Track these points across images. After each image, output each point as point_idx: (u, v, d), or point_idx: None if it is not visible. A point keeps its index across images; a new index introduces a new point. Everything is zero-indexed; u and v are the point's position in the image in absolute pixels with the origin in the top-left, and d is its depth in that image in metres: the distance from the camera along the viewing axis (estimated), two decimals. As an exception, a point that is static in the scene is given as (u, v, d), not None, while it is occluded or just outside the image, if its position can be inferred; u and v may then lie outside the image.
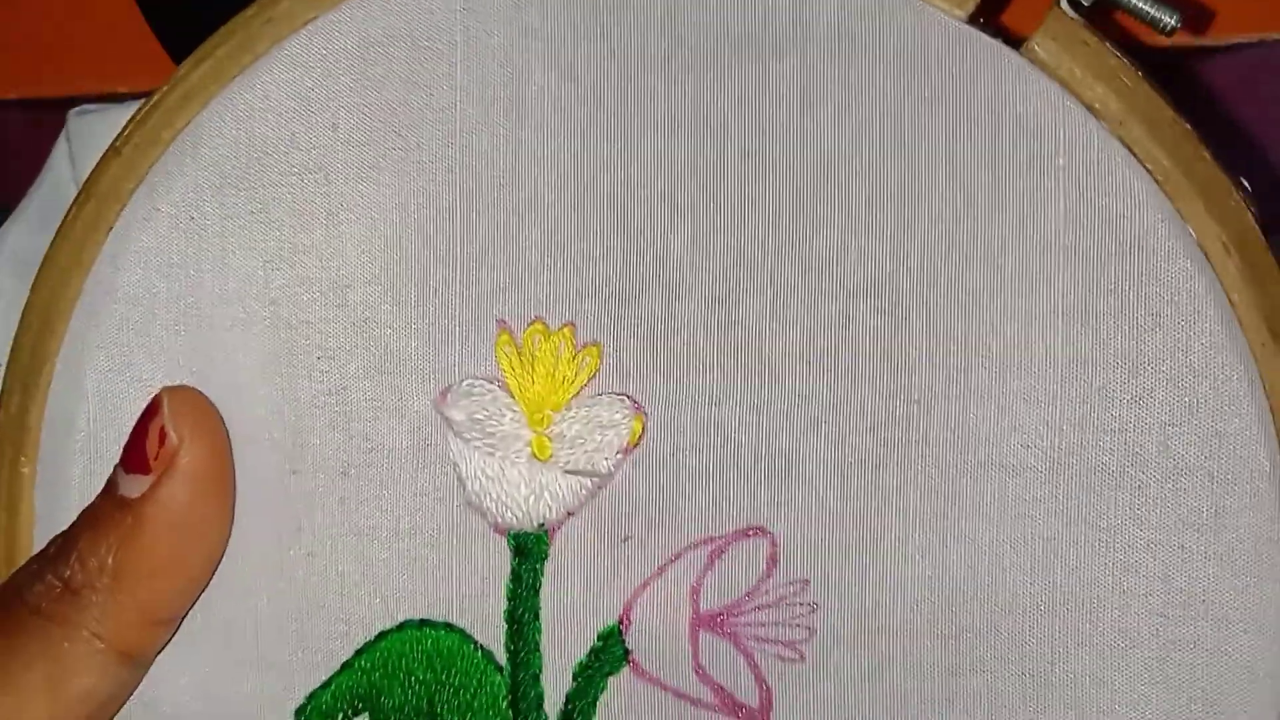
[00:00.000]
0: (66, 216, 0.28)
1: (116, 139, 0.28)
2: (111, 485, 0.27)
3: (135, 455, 0.27)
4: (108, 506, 0.26)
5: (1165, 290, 0.25)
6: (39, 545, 0.28)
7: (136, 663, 0.27)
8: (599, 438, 0.27)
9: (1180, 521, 0.25)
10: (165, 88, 0.28)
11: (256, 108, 0.28)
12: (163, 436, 0.26)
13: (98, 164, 0.28)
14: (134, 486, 0.26)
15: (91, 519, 0.27)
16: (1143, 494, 0.26)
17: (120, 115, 0.30)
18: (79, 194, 0.28)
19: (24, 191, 0.43)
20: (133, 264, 0.28)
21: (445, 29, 0.27)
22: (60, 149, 0.31)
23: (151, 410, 0.27)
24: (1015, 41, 0.26)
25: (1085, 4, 0.26)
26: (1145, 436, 0.26)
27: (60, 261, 0.28)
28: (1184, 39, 0.34)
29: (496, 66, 0.27)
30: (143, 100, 0.28)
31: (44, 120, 0.40)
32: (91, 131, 0.31)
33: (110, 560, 0.26)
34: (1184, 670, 0.26)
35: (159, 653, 0.27)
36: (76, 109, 0.31)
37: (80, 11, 0.37)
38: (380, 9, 0.27)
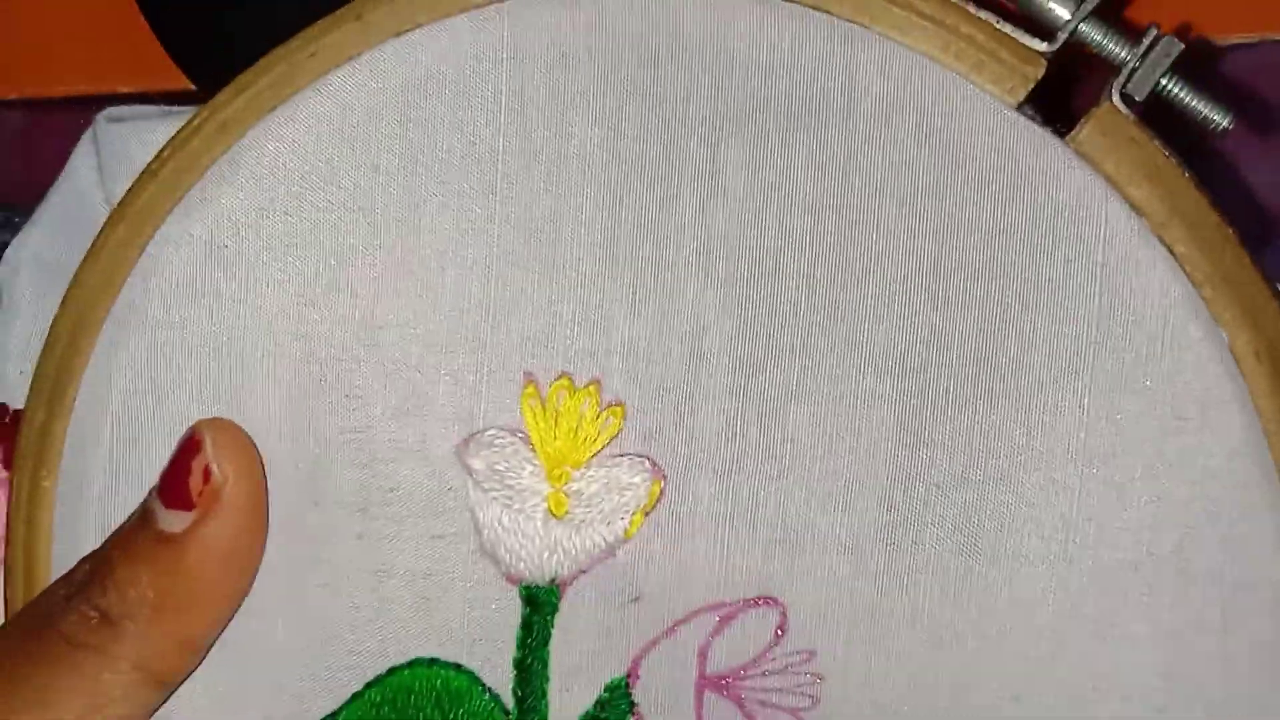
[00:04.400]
0: (98, 237, 0.27)
1: (153, 161, 0.27)
2: (150, 517, 0.26)
3: (177, 490, 0.25)
4: (147, 539, 0.25)
5: (1192, 394, 0.25)
6: (58, 558, 0.28)
7: (170, 687, 0.26)
8: (616, 498, 0.26)
9: (1188, 623, 0.25)
10: (204, 114, 0.27)
11: (297, 140, 0.27)
12: (206, 474, 0.25)
13: (133, 185, 0.27)
14: (176, 521, 0.25)
15: (128, 549, 0.26)
16: (1152, 593, 0.25)
17: (152, 130, 0.29)
18: (112, 214, 0.27)
19: (23, 191, 0.41)
20: (163, 288, 0.27)
21: (491, 76, 0.26)
22: (85, 153, 0.30)
23: (193, 445, 0.26)
24: (1064, 132, 0.25)
25: (1138, 100, 0.25)
26: (1160, 536, 0.25)
27: (90, 281, 0.27)
28: (1184, 39, 0.32)
29: (540, 118, 0.26)
30: (183, 124, 0.27)
31: (44, 120, 0.38)
32: (123, 145, 0.29)
33: (151, 593, 0.25)
34: None
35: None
36: (107, 113, 0.30)
37: (80, 11, 0.35)
38: (425, 51, 0.26)
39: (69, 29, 0.36)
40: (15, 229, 0.42)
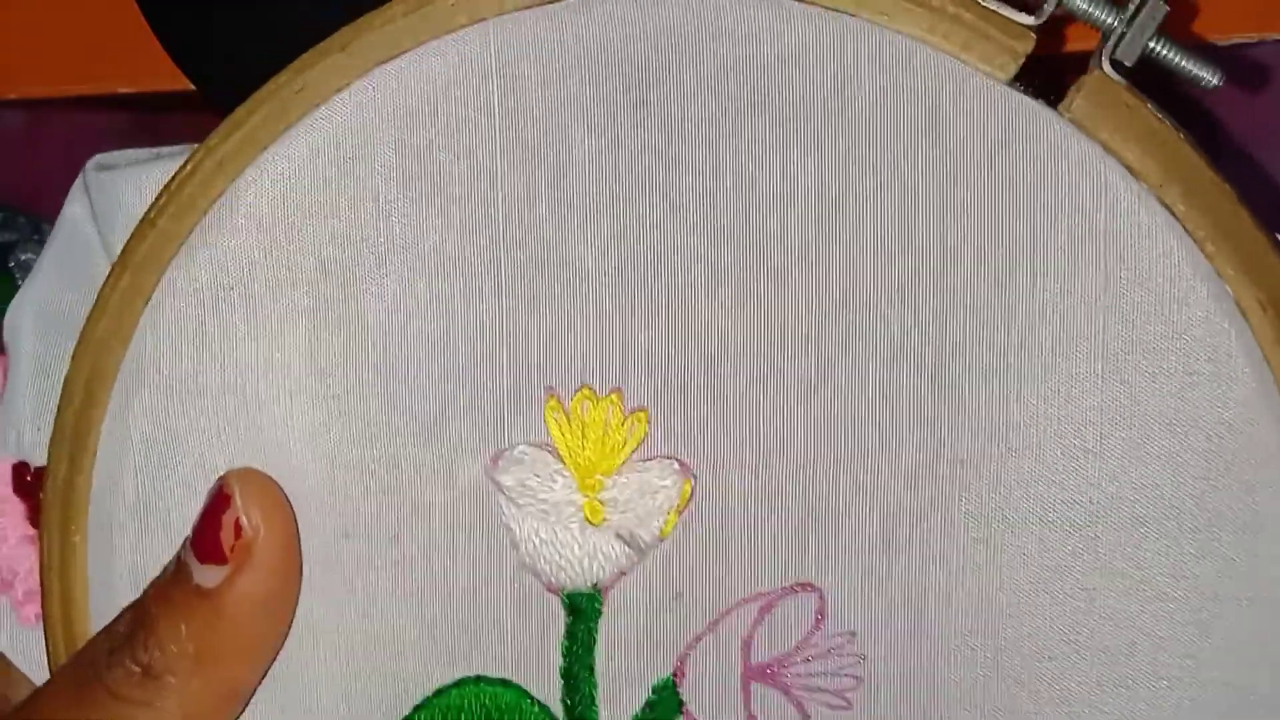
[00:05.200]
0: (103, 289, 0.27)
1: (150, 210, 0.27)
2: (185, 571, 0.26)
3: (210, 545, 0.26)
4: (184, 594, 0.26)
5: (1202, 349, 0.25)
6: (95, 610, 0.28)
7: None
8: (649, 501, 0.26)
9: (1214, 571, 0.25)
10: (199, 156, 0.27)
11: (294, 176, 0.26)
12: (238, 528, 0.26)
13: (132, 235, 0.27)
14: (210, 576, 0.25)
15: (166, 603, 0.26)
16: (1178, 545, 0.25)
17: (143, 173, 0.29)
18: (114, 265, 0.27)
19: (23, 192, 0.41)
20: (173, 336, 0.27)
21: (482, 98, 0.26)
22: (78, 201, 0.30)
23: (222, 499, 0.26)
24: (1057, 103, 0.25)
25: (1128, 65, 0.25)
26: (1180, 490, 0.25)
27: (99, 334, 0.27)
28: (1184, 39, 0.33)
29: (538, 134, 0.26)
30: (177, 167, 0.27)
31: (44, 120, 0.39)
32: (115, 191, 0.29)
33: (192, 647, 0.25)
34: (1216, 711, 0.26)
35: None
36: (95, 161, 0.30)
37: (80, 11, 0.35)
38: (413, 77, 0.26)
39: (69, 29, 0.35)
40: (16, 229, 0.41)
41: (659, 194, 0.26)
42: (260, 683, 0.27)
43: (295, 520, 0.26)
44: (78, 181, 0.31)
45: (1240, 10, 0.33)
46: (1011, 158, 0.25)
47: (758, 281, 0.26)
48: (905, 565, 0.26)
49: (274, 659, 0.27)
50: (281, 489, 0.26)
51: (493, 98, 0.26)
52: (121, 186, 0.30)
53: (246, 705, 0.27)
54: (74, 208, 0.31)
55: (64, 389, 0.28)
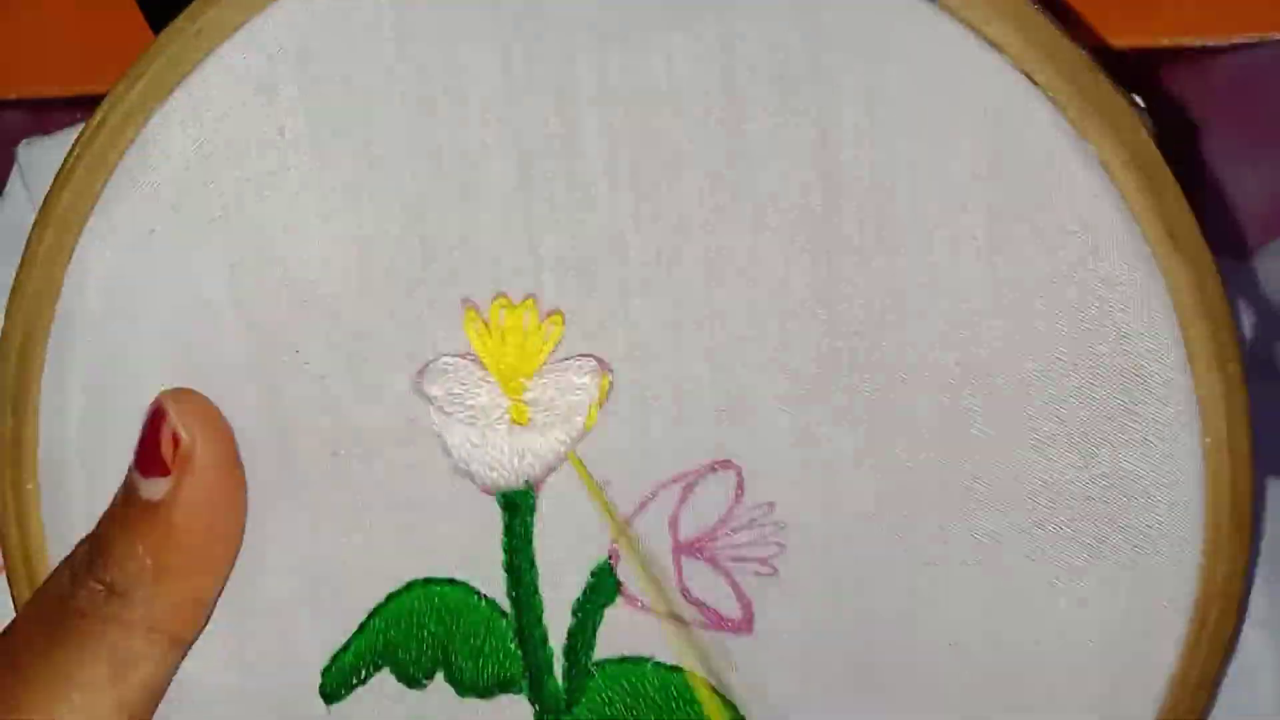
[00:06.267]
0: (28, 246, 0.28)
1: (65, 163, 0.28)
2: (132, 489, 0.27)
3: (151, 458, 0.27)
4: (134, 510, 0.27)
5: (1075, 208, 0.27)
6: (55, 555, 0.29)
7: (186, 644, 0.28)
8: (571, 398, 0.28)
9: (1096, 414, 0.27)
10: (105, 107, 0.28)
11: (199, 119, 0.27)
12: (175, 439, 0.27)
13: (50, 190, 0.28)
14: (155, 489, 0.27)
15: (120, 524, 0.27)
16: (1061, 393, 0.27)
17: (66, 140, 0.30)
18: (36, 221, 0.28)
19: None
20: (98, 285, 0.28)
21: (374, 25, 0.27)
22: (14, 183, 0.31)
23: (158, 415, 0.27)
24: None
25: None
26: (1062, 343, 0.27)
27: (29, 290, 0.28)
28: (1184, 39, 0.34)
29: (432, 59, 0.27)
30: (85, 124, 0.28)
31: (44, 120, 0.38)
32: (43, 160, 0.30)
33: (149, 560, 0.27)
34: (1115, 549, 0.28)
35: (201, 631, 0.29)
36: (25, 141, 0.30)
37: (80, 11, 0.36)
38: (305, 12, 0.27)
39: (69, 29, 0.36)
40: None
41: (554, 104, 0.27)
42: (221, 590, 0.28)
43: (231, 431, 0.28)
44: (14, 165, 0.31)
45: (1240, 10, 0.33)
46: (884, 44, 0.26)
47: (655, 180, 0.27)
48: (813, 435, 0.28)
49: (231, 566, 0.28)
50: (212, 402, 0.28)
51: (384, 25, 0.27)
52: (48, 154, 0.30)
53: (210, 613, 0.28)
54: (12, 187, 0.32)
55: (1, 347, 0.28)
